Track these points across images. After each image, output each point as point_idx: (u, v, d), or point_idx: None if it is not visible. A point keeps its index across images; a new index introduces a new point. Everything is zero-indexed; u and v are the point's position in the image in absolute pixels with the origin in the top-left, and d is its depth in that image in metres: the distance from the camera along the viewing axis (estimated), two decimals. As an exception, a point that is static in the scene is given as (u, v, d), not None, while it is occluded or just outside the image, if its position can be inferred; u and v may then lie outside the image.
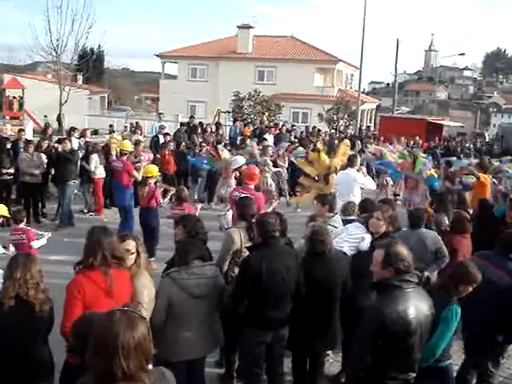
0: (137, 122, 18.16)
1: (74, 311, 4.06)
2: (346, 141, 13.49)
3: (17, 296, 4.18)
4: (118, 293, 4.16)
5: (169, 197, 10.53)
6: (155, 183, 9.92)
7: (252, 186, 7.95)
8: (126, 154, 11.63)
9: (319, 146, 13.23)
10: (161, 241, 9.83)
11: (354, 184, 9.73)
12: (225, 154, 14.38)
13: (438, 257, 6.53)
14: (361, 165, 11.35)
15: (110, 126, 25.31)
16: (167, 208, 10.43)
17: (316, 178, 11.46)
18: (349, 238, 6.14)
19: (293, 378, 5.56)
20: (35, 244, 7.40)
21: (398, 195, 16.45)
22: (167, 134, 16.76)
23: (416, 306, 3.71)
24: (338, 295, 5.28)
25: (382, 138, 23.59)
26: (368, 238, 5.99)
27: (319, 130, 24.98)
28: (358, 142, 21.96)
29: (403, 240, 6.14)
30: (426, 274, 6.41)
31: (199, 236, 5.16)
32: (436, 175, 12.81)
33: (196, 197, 14.74)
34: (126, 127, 18.46)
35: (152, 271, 4.95)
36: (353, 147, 19.09)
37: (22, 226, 7.63)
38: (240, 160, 12.35)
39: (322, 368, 5.69)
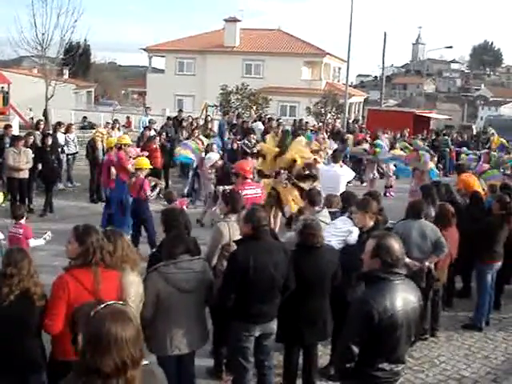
0: (116, 119, 18.27)
1: (57, 310, 4.08)
2: (301, 138, 12.62)
3: (20, 290, 4.18)
4: (104, 294, 4.09)
5: (157, 190, 10.57)
6: (146, 176, 9.89)
7: (249, 180, 8.44)
8: (120, 148, 11.48)
9: (269, 138, 12.12)
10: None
11: (340, 181, 9.88)
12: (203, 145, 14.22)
13: (437, 247, 6.58)
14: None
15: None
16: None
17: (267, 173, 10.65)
18: (336, 231, 6.17)
19: (283, 371, 5.54)
20: (32, 242, 7.27)
21: (391, 187, 16.50)
22: (148, 127, 16.69)
23: (403, 298, 3.69)
24: (328, 287, 5.28)
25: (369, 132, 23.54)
26: (355, 232, 6.03)
27: (307, 123, 24.87)
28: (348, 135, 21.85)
29: (405, 230, 6.37)
30: (426, 263, 6.50)
31: (174, 224, 5.18)
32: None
33: (186, 191, 14.68)
34: (107, 123, 18.43)
35: (140, 268, 4.84)
36: (341, 141, 19.07)
37: (22, 221, 7.52)
38: (214, 156, 12.55)
39: (316, 361, 5.69)
